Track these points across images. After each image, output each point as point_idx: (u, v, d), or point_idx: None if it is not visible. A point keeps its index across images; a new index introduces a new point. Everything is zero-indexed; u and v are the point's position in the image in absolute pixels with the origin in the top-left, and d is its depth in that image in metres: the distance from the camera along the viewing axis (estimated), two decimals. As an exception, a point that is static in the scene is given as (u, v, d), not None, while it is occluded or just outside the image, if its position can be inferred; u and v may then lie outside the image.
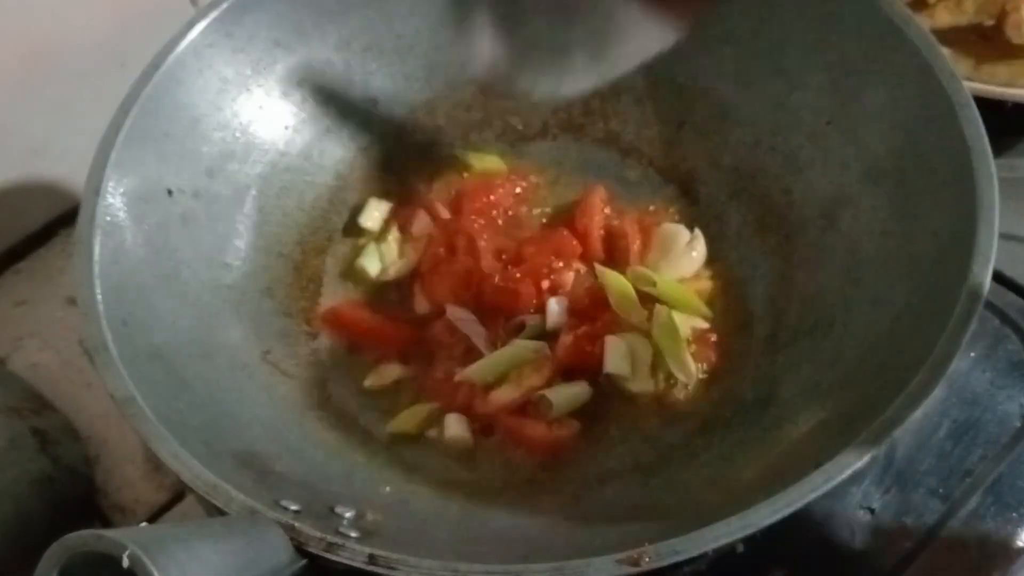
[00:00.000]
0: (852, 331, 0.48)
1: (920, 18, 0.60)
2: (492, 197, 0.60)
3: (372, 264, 0.58)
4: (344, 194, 0.61)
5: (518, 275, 0.55)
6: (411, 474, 0.50)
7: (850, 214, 0.52)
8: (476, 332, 0.54)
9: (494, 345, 0.54)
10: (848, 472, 0.37)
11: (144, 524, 0.53)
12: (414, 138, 0.63)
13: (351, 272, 0.59)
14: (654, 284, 0.54)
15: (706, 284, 0.57)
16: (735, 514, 0.36)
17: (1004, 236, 0.42)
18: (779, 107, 0.56)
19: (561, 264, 0.56)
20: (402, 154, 0.63)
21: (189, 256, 0.52)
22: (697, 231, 0.57)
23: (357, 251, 0.59)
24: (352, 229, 0.61)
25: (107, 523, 0.55)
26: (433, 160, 0.63)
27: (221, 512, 0.38)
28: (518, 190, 0.61)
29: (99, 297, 0.44)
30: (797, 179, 0.56)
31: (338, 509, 0.42)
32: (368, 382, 0.54)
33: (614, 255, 0.58)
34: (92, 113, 0.50)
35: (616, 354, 0.52)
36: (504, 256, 0.57)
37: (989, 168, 0.44)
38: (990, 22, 0.65)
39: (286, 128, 0.59)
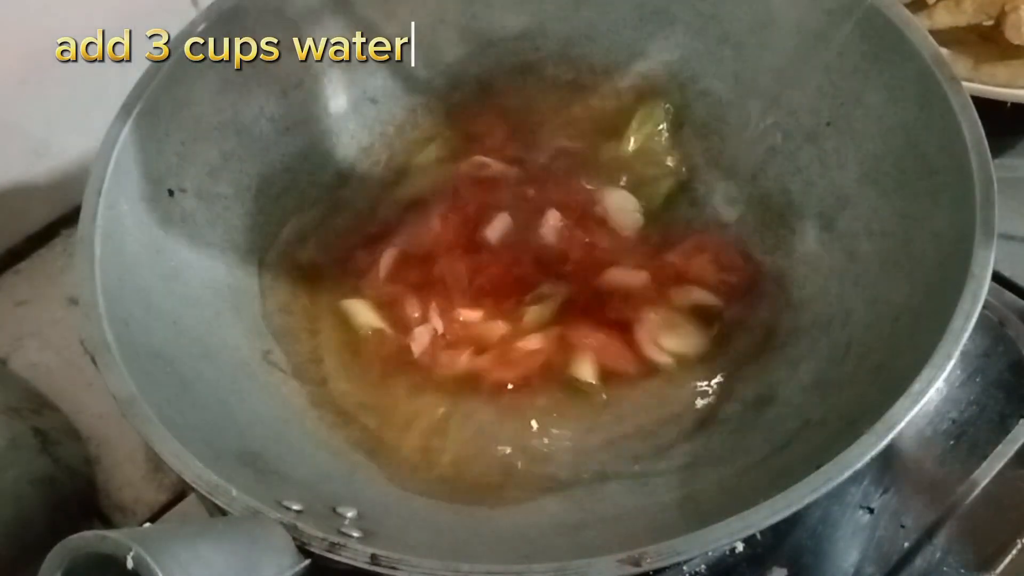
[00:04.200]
0: (851, 331, 0.48)
1: (919, 18, 0.60)
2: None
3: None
4: (344, 193, 0.61)
5: None
6: (412, 473, 0.50)
7: (849, 214, 0.52)
8: None
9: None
10: (848, 472, 0.37)
11: (147, 524, 0.54)
12: (414, 137, 0.63)
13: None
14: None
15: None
16: (735, 514, 0.36)
17: (1004, 236, 0.43)
18: (778, 107, 0.56)
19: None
20: (402, 154, 0.63)
21: (190, 256, 0.52)
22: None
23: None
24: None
25: (108, 523, 0.55)
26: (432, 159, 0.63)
27: (223, 512, 0.38)
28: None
29: (100, 297, 0.44)
30: (796, 179, 0.56)
31: (340, 509, 0.42)
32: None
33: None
34: (92, 113, 0.50)
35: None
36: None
37: (988, 168, 0.44)
38: (989, 22, 0.65)
39: (287, 129, 0.59)
